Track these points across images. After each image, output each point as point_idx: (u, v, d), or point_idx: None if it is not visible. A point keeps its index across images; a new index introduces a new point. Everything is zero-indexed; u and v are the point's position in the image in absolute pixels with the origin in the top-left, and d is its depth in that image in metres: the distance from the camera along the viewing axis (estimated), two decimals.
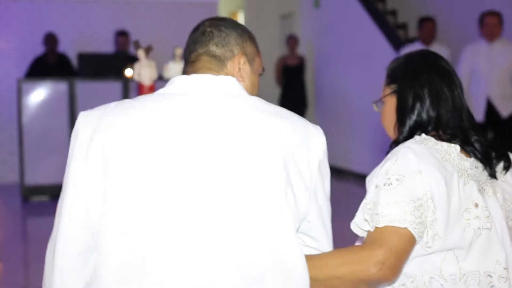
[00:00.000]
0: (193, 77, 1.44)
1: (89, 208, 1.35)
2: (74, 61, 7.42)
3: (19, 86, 6.43)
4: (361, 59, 7.70)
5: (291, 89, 8.53)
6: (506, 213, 1.58)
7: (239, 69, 1.49)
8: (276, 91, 10.15)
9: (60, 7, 7.97)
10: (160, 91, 1.45)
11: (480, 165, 1.59)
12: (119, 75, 6.62)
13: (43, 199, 6.45)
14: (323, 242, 1.45)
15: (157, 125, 1.35)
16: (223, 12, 10.50)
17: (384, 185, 1.49)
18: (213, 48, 1.48)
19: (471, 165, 1.57)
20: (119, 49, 7.48)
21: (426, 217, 1.46)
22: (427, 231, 1.47)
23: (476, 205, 1.52)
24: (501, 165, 1.62)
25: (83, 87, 6.50)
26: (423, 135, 1.58)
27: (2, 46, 7.78)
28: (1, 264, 4.38)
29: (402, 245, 1.43)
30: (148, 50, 3.08)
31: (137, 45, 3.05)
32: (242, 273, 1.30)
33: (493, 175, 1.59)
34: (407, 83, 1.64)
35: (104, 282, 1.32)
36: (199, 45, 1.49)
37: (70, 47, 7.75)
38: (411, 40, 8.31)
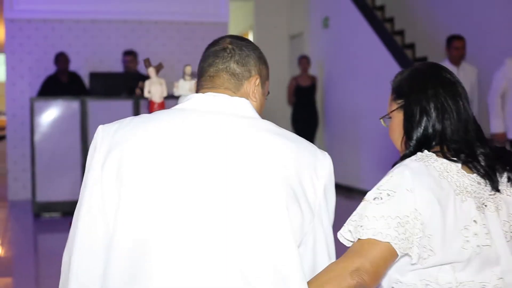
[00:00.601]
0: (209, 96, 1.48)
1: (105, 219, 1.40)
2: (86, 80, 7.52)
3: (32, 105, 6.53)
4: (369, 79, 7.76)
5: (303, 109, 8.54)
6: (510, 227, 1.58)
7: (254, 90, 1.54)
8: (286, 110, 10.20)
9: (73, 27, 8.09)
10: (177, 107, 1.50)
11: (483, 180, 1.58)
12: (130, 93, 6.71)
13: (54, 215, 6.51)
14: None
15: (170, 139, 1.40)
16: (233, 32, 10.61)
17: (374, 199, 1.51)
18: (233, 66, 1.52)
19: (472, 181, 1.57)
20: (126, 68, 7.54)
21: (411, 234, 1.47)
22: (415, 248, 1.47)
23: (475, 222, 1.52)
24: (505, 175, 1.62)
25: (94, 105, 6.59)
26: (425, 151, 1.59)
27: (15, 65, 7.90)
28: (13, 280, 4.43)
29: (380, 256, 1.46)
30: (158, 68, 3.15)
31: (147, 63, 3.12)
32: (244, 279, 1.34)
33: (496, 188, 1.58)
34: (413, 97, 1.65)
35: (112, 282, 1.37)
36: (220, 60, 1.53)
37: (82, 66, 7.87)
38: (418, 60, 8.38)
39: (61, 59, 7.35)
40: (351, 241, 1.52)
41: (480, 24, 6.99)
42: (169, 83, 3.86)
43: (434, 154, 1.59)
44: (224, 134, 1.41)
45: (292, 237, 1.37)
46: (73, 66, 7.64)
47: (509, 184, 1.62)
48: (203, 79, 1.55)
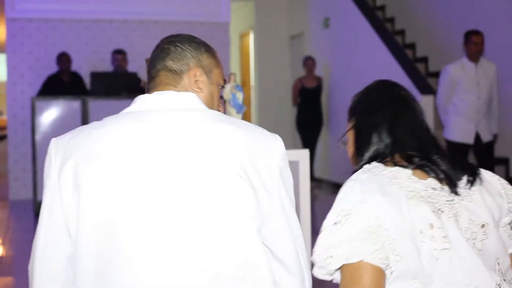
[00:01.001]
0: (154, 95, 1.52)
1: (65, 230, 1.42)
2: (87, 79, 7.53)
3: (32, 104, 6.54)
4: (370, 79, 7.75)
5: (308, 110, 8.41)
6: (472, 234, 1.53)
7: (196, 81, 1.56)
8: (288, 110, 10.21)
9: (74, 27, 8.10)
10: (124, 111, 1.52)
11: (439, 186, 1.55)
12: (131, 93, 6.71)
13: None
14: (288, 250, 1.46)
15: (124, 142, 1.42)
16: (234, 33, 10.62)
17: (334, 224, 1.49)
18: (169, 63, 1.57)
19: (426, 186, 1.54)
20: (117, 66, 7.49)
21: (382, 242, 1.45)
22: (390, 255, 1.45)
23: (432, 226, 1.48)
24: (464, 179, 1.59)
25: (95, 105, 6.59)
26: (373, 163, 1.59)
27: (16, 65, 7.90)
28: (14, 279, 4.44)
29: (365, 279, 1.43)
30: None
31: (149, 63, 3.13)
32: (211, 274, 1.36)
33: (455, 192, 1.55)
34: (363, 117, 1.71)
35: (81, 280, 1.39)
36: (158, 61, 1.58)
37: (83, 66, 7.87)
38: (419, 60, 8.39)
39: (63, 59, 7.35)
40: (331, 274, 1.50)
41: (480, 23, 6.99)
42: None
43: (382, 164, 1.58)
44: (174, 129, 1.43)
45: (253, 224, 1.40)
46: (74, 66, 7.64)
47: (468, 188, 1.58)
48: (147, 83, 1.60)
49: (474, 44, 5.56)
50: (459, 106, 5.65)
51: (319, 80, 8.45)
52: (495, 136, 5.72)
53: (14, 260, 4.96)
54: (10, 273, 4.58)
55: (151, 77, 1.58)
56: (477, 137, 5.61)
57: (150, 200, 1.38)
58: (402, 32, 8.93)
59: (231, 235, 1.38)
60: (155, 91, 1.54)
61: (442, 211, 1.52)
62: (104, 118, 1.52)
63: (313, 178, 7.98)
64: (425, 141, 1.64)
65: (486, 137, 5.61)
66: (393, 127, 1.64)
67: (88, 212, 1.38)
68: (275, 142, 1.50)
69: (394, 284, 1.47)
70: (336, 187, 7.80)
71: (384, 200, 1.48)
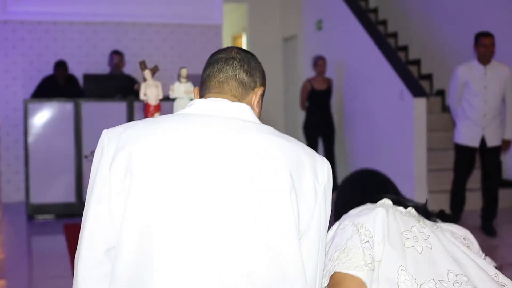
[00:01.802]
0: (211, 101, 1.53)
1: (113, 217, 1.43)
2: (80, 81, 7.51)
3: (25, 107, 6.52)
4: (363, 81, 7.78)
5: (318, 114, 7.83)
6: (460, 242, 1.84)
7: (258, 101, 1.60)
8: (280, 114, 10.21)
9: (67, 29, 8.08)
10: (181, 111, 1.54)
11: (416, 213, 1.85)
12: (124, 95, 6.71)
13: (48, 217, 6.50)
14: (311, 272, 1.50)
15: (178, 141, 1.43)
16: (226, 35, 10.63)
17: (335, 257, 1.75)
18: (242, 75, 1.57)
19: (406, 212, 1.85)
20: (114, 67, 7.49)
21: (356, 253, 1.70)
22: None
23: (414, 228, 1.77)
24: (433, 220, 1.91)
25: (88, 107, 6.58)
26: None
27: (8, 67, 7.88)
28: (6, 282, 4.42)
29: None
30: (154, 71, 3.15)
31: (143, 66, 3.12)
32: (246, 279, 1.37)
33: (433, 220, 1.89)
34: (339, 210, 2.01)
35: (116, 282, 1.41)
36: (230, 68, 1.57)
37: (76, 68, 7.85)
38: (412, 62, 8.42)
39: (60, 71, 7.32)
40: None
41: (472, 26, 7.03)
42: (162, 85, 3.86)
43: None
44: (228, 135, 1.45)
45: (296, 235, 1.42)
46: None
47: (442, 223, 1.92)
48: (211, 84, 1.58)
49: (483, 46, 5.44)
50: (466, 109, 5.57)
51: (329, 82, 7.87)
52: (508, 142, 5.56)
53: (7, 263, 4.94)
54: (2, 276, 4.56)
55: (218, 80, 1.57)
56: (483, 141, 5.53)
57: (189, 201, 1.40)
58: (394, 35, 8.97)
59: (271, 243, 1.40)
60: (216, 97, 1.56)
61: (424, 226, 1.80)
62: (158, 117, 1.55)
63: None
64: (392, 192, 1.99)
65: (491, 142, 5.51)
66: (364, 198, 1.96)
67: (135, 207, 1.40)
68: (323, 164, 1.53)
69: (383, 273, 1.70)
70: None
71: (373, 214, 1.77)
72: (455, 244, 1.77)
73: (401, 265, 1.66)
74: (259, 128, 1.49)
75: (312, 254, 1.49)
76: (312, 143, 7.81)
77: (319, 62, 7.79)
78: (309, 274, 1.48)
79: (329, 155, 7.82)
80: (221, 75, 1.57)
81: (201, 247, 1.37)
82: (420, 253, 1.70)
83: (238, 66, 1.57)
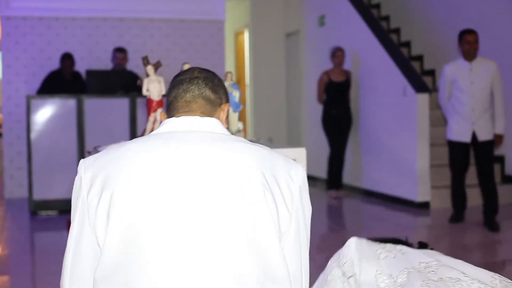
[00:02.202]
0: (183, 118, 1.59)
1: (96, 241, 1.49)
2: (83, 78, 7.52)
3: (28, 103, 6.52)
4: (365, 77, 7.77)
5: (337, 107, 7.60)
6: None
7: (226, 115, 1.68)
8: (282, 109, 10.20)
9: (69, 25, 8.08)
10: (154, 132, 1.60)
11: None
12: (126, 91, 6.70)
13: (51, 213, 6.51)
14: (295, 266, 1.54)
15: (154, 156, 1.49)
16: (229, 31, 10.61)
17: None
18: (208, 93, 1.64)
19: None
20: (117, 65, 7.48)
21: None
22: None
23: (386, 246, 2.03)
24: None
25: (91, 103, 6.58)
26: None
27: (11, 63, 7.88)
28: (9, 277, 4.43)
29: None
30: (157, 66, 3.15)
31: (146, 61, 3.12)
32: (236, 278, 1.42)
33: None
34: None
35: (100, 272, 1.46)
36: (196, 87, 1.63)
37: (78, 64, 7.85)
38: (414, 58, 8.40)
39: (67, 63, 7.32)
40: None
41: (474, 21, 7.01)
42: (165, 81, 3.86)
43: None
44: (205, 147, 1.51)
45: (275, 235, 1.47)
46: None
47: None
48: (178, 105, 1.63)
49: (467, 43, 5.58)
50: (455, 106, 5.68)
51: (347, 74, 7.61)
52: (500, 137, 5.63)
53: (10, 259, 4.95)
54: (5, 272, 4.57)
55: (186, 100, 1.62)
56: (474, 136, 5.62)
57: (174, 205, 1.44)
58: (397, 31, 8.95)
59: (254, 242, 1.44)
60: (186, 115, 1.61)
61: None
62: (130, 140, 1.59)
63: (340, 185, 7.73)
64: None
65: (482, 136, 5.59)
66: None
67: (116, 218, 1.44)
68: (298, 167, 1.58)
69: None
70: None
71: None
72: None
73: (377, 270, 1.87)
74: (232, 139, 1.56)
75: (293, 252, 1.53)
76: (332, 138, 7.63)
77: (337, 53, 7.55)
78: (292, 273, 1.52)
79: (342, 149, 7.69)
80: (188, 95, 1.63)
81: (190, 252, 1.42)
82: (393, 257, 1.92)
83: (203, 85, 1.63)
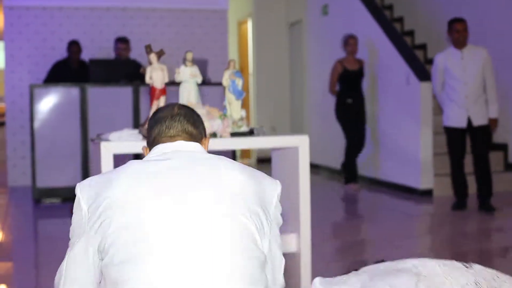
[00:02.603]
0: (168, 144, 1.71)
1: (95, 258, 1.60)
2: None
3: (31, 92, 6.53)
4: (369, 66, 7.76)
5: (352, 96, 7.24)
6: None
7: (206, 149, 1.79)
8: (286, 100, 10.19)
9: (72, 14, 8.08)
10: (146, 158, 1.71)
11: None
12: (130, 80, 6.71)
13: (54, 201, 6.55)
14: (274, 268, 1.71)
15: (148, 172, 1.60)
16: (232, 20, 10.60)
17: None
18: (190, 128, 1.75)
19: None
20: (119, 55, 7.45)
21: None
22: None
23: None
24: None
25: (94, 92, 6.59)
26: None
27: (14, 53, 7.89)
28: (13, 264, 4.47)
29: None
30: (160, 54, 3.15)
31: (149, 50, 3.13)
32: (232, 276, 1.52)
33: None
34: None
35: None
36: (178, 123, 1.74)
37: (82, 54, 7.86)
38: (418, 47, 8.39)
39: (74, 49, 7.30)
40: None
41: (477, 10, 7.00)
42: (168, 71, 3.86)
43: None
44: (193, 162, 1.64)
45: (264, 237, 1.63)
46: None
47: None
48: (162, 140, 1.74)
49: (456, 32, 5.70)
50: (449, 93, 5.78)
51: (361, 63, 7.25)
52: (494, 121, 5.72)
53: (13, 246, 4.99)
54: (9, 259, 4.61)
55: (169, 135, 1.73)
56: (470, 122, 5.70)
57: (169, 211, 1.54)
58: (400, 19, 8.93)
59: (240, 243, 1.56)
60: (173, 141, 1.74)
61: None
62: (123, 165, 1.69)
63: (355, 178, 7.33)
64: None
65: (476, 121, 5.67)
66: None
67: (112, 224, 1.54)
68: (275, 183, 1.73)
69: None
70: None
71: None
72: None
73: None
74: (215, 157, 1.68)
75: (276, 248, 1.70)
76: (349, 128, 7.25)
77: (350, 41, 7.19)
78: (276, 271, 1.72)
79: (362, 139, 7.31)
80: (171, 131, 1.73)
81: (190, 256, 1.51)
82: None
83: (185, 121, 1.74)
